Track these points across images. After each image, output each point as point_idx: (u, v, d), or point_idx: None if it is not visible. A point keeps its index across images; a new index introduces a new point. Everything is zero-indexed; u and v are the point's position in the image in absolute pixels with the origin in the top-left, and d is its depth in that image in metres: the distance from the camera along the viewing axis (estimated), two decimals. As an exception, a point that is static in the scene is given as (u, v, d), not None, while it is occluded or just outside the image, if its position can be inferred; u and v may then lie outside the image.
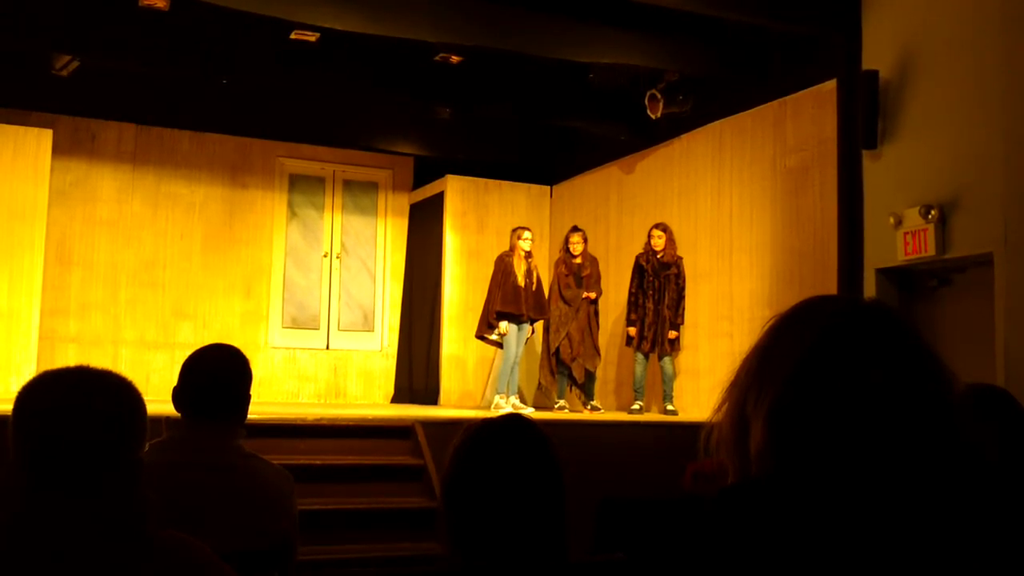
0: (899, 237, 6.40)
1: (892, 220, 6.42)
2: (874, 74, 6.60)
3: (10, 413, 1.65)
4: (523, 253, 8.68)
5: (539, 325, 9.05)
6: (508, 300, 8.58)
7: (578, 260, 8.93)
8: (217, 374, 2.73)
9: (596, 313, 8.99)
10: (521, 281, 8.56)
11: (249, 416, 2.84)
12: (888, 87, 6.57)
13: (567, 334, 8.81)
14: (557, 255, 9.29)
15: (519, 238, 8.73)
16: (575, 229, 9.10)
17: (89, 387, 1.65)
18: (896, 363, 1.06)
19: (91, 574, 1.54)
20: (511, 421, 1.80)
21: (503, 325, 8.55)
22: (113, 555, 1.56)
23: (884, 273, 6.66)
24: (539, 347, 9.27)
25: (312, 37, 8.02)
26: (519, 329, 8.60)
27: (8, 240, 8.74)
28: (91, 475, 1.59)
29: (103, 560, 1.55)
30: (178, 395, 2.70)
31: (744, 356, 1.15)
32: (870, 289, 6.62)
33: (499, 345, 8.77)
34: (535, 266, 8.75)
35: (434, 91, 9.15)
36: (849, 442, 1.02)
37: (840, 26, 6.99)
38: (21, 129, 8.98)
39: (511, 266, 8.63)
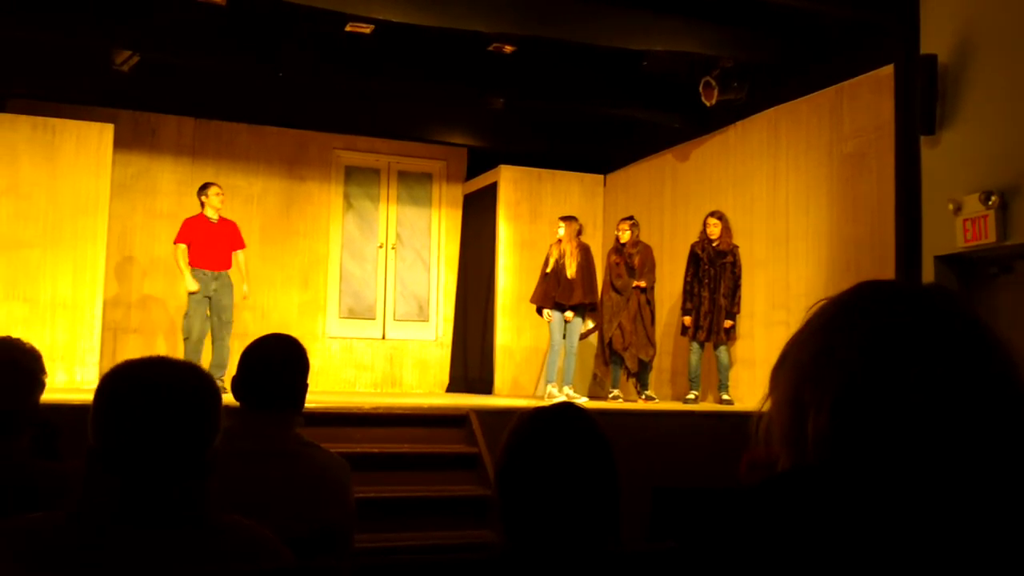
0: (958, 224, 6.28)
1: (951, 206, 6.30)
2: (932, 58, 6.48)
3: (91, 401, 1.70)
4: (557, 240, 8.74)
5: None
6: (536, 289, 8.78)
7: (628, 249, 8.90)
8: (275, 363, 2.77)
9: (649, 302, 8.95)
10: (549, 268, 8.62)
11: (307, 405, 2.88)
12: (947, 71, 6.45)
13: (619, 324, 8.80)
14: (611, 244, 9.27)
15: (556, 226, 8.80)
16: (624, 218, 9.09)
17: (170, 378, 1.69)
18: (965, 350, 1.04)
19: (156, 557, 1.59)
20: (563, 409, 1.81)
21: (545, 313, 8.63)
22: (178, 538, 1.61)
23: (943, 260, 6.54)
24: (595, 337, 9.26)
25: (367, 29, 8.07)
26: (561, 316, 8.63)
27: (72, 233, 8.95)
28: (165, 462, 1.63)
29: (168, 543, 1.60)
30: (237, 384, 2.75)
31: (793, 340, 1.14)
32: (929, 277, 6.52)
33: None
34: (566, 251, 8.64)
35: (487, 81, 9.16)
36: (916, 434, 1.01)
37: (897, 10, 6.87)
38: (83, 124, 9.17)
39: (549, 255, 8.71)
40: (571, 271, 8.56)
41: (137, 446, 1.62)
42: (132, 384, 1.68)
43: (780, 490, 1.05)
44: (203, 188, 8.68)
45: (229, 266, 8.54)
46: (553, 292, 8.58)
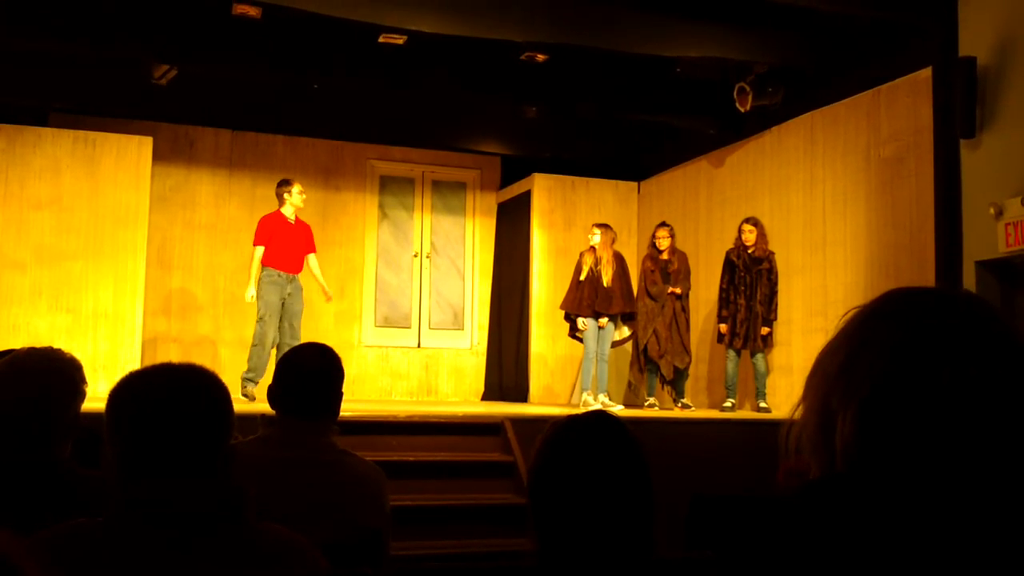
0: (1000, 228, 6.20)
1: (992, 210, 6.23)
2: (971, 61, 6.41)
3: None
4: (592, 249, 8.70)
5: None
6: (567, 297, 8.75)
7: (664, 256, 8.87)
8: (310, 372, 2.80)
9: (684, 309, 8.90)
10: (583, 276, 8.59)
11: (343, 413, 2.90)
12: (986, 73, 6.38)
13: (654, 331, 8.75)
14: (645, 251, 9.24)
15: (589, 232, 8.80)
16: (662, 224, 9.05)
17: (176, 381, 1.73)
18: (993, 357, 1.03)
19: (192, 561, 1.60)
20: (596, 417, 1.81)
21: (581, 321, 8.58)
22: (213, 543, 1.63)
23: (984, 265, 6.46)
24: (629, 344, 9.23)
25: (400, 40, 8.13)
26: (596, 325, 8.58)
27: (113, 244, 9.08)
28: (183, 465, 1.66)
29: (203, 548, 1.62)
30: (273, 393, 2.78)
31: (824, 349, 1.14)
32: (970, 282, 6.44)
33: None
34: (602, 259, 8.61)
35: (520, 90, 9.19)
36: (944, 439, 1.00)
37: (935, 12, 6.80)
38: (123, 137, 9.31)
39: (580, 262, 8.70)
40: (607, 279, 8.52)
41: (143, 449, 1.66)
42: (134, 390, 1.72)
43: (809, 500, 1.05)
44: (285, 184, 8.23)
45: (301, 269, 8.16)
46: (589, 300, 8.55)
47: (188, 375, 1.75)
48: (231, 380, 8.94)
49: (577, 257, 8.95)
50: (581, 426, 1.79)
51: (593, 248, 8.68)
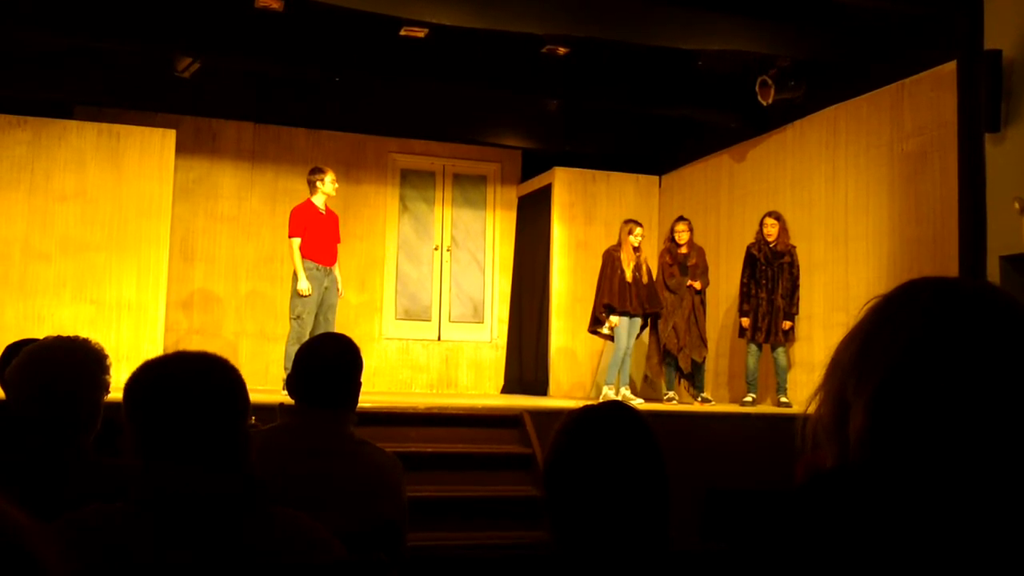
0: (1025, 223, 6.15)
1: (1017, 205, 6.17)
2: (997, 54, 6.35)
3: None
4: (632, 248, 8.61)
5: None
6: (615, 294, 8.55)
7: (683, 250, 8.84)
8: (329, 362, 2.81)
9: (703, 303, 8.89)
10: (629, 276, 8.51)
11: (363, 405, 2.91)
12: (1012, 67, 6.31)
13: (673, 325, 8.74)
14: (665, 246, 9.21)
15: (630, 233, 8.61)
16: (680, 219, 9.02)
17: (189, 367, 1.77)
18: (1009, 347, 1.02)
19: (210, 547, 1.62)
20: (612, 407, 1.82)
21: (614, 319, 8.52)
22: (231, 529, 1.64)
23: (1009, 261, 6.40)
24: (645, 338, 9.20)
25: (421, 33, 8.13)
26: (631, 322, 8.55)
27: (136, 236, 9.15)
28: (199, 449, 1.68)
29: (222, 533, 1.63)
30: (292, 382, 2.79)
31: (843, 339, 1.13)
32: (994, 277, 6.38)
33: (610, 338, 8.75)
34: (644, 260, 8.66)
35: (542, 83, 9.18)
36: (957, 430, 1.00)
37: (960, 5, 6.74)
38: (147, 130, 9.37)
39: (619, 261, 8.58)
40: (645, 277, 8.57)
41: (158, 434, 1.70)
42: (149, 378, 1.77)
43: (818, 491, 1.04)
44: (317, 172, 7.97)
45: (335, 261, 7.94)
46: (639, 301, 8.49)
47: (201, 362, 1.78)
48: (253, 371, 8.95)
49: (602, 252, 8.87)
50: (597, 416, 1.79)
51: (635, 248, 8.57)
